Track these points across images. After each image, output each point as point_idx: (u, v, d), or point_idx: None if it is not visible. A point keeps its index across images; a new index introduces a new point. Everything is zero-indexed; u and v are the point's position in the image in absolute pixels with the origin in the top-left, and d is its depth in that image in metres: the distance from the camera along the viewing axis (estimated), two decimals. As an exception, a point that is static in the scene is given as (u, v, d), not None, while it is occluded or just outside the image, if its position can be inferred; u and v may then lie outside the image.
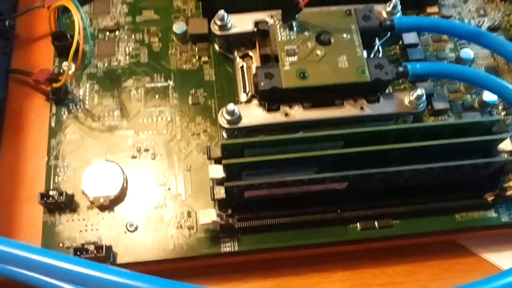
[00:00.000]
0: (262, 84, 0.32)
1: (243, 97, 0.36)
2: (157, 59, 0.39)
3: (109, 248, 0.32)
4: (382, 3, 0.36)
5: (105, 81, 0.38)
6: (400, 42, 0.39)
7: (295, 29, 0.34)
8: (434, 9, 0.41)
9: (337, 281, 0.35)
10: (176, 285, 0.22)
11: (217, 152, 0.31)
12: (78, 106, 0.37)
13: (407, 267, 0.35)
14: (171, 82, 0.38)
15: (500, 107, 0.37)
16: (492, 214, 0.34)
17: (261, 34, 0.36)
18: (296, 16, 0.34)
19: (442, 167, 0.30)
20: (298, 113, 0.34)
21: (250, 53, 0.37)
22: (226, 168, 0.30)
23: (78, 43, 0.32)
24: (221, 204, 0.32)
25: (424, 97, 0.34)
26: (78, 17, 0.32)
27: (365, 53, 0.36)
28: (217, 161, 0.31)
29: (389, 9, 0.36)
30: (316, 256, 0.35)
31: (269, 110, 0.34)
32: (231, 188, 0.30)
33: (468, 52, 0.38)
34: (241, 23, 0.36)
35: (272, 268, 0.35)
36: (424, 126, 0.31)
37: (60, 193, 0.32)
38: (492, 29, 0.40)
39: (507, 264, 0.35)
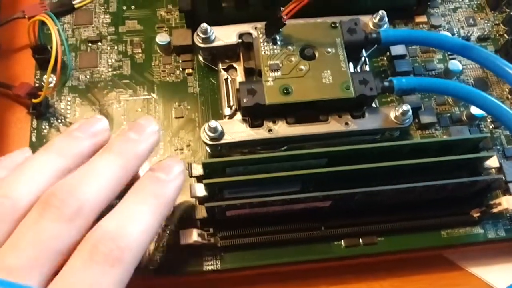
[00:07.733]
0: (244, 100, 0.32)
1: (227, 111, 0.35)
2: (140, 71, 0.38)
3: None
4: (369, 14, 0.36)
5: (87, 94, 0.37)
6: (388, 53, 0.38)
7: (278, 43, 0.34)
8: (423, 18, 0.40)
9: (322, 296, 0.34)
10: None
11: (198, 170, 0.30)
12: (59, 120, 0.36)
13: (393, 282, 0.35)
14: (154, 95, 0.37)
15: (488, 120, 0.37)
16: (479, 230, 0.34)
17: (245, 46, 0.35)
18: (280, 29, 0.33)
19: (425, 186, 0.29)
20: (282, 129, 0.33)
21: (235, 65, 0.37)
22: (208, 187, 0.29)
23: (56, 58, 0.31)
24: (203, 223, 0.32)
25: (410, 112, 0.33)
26: (56, 32, 0.31)
27: (351, 65, 0.36)
28: (199, 179, 0.30)
29: (375, 20, 0.35)
30: (300, 271, 0.34)
31: (252, 125, 0.33)
32: (212, 208, 0.30)
33: (456, 63, 0.37)
34: (225, 35, 0.36)
35: (256, 283, 0.34)
36: (409, 143, 0.31)
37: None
38: (481, 39, 0.40)
39: (494, 278, 0.35)
